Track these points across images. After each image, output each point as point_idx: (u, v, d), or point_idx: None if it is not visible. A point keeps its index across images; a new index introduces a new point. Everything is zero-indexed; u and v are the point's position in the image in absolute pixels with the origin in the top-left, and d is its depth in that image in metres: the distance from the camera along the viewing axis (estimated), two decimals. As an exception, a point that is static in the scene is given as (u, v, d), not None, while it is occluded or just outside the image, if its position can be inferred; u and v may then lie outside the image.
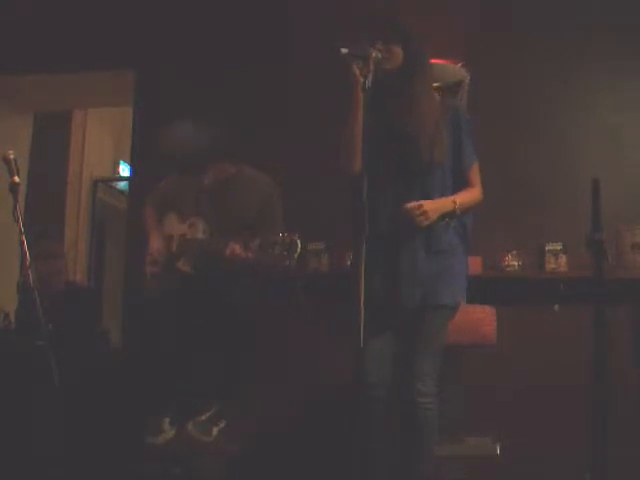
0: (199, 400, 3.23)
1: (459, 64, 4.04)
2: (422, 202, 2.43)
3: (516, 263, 3.81)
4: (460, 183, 2.58)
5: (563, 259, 3.77)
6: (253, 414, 3.27)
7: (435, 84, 4.05)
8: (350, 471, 2.78)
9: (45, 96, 5.14)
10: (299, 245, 2.83)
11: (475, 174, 2.61)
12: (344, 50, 2.32)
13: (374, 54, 2.35)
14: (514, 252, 3.81)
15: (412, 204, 2.43)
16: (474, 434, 3.22)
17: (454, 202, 2.50)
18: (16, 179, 2.63)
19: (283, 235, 2.87)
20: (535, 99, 4.03)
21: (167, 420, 3.19)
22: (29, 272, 2.55)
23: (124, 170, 6.62)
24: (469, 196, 2.57)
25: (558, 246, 3.78)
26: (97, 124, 6.31)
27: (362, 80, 2.32)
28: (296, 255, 2.85)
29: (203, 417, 3.20)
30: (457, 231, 2.58)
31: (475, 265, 3.69)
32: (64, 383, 2.49)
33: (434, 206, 2.45)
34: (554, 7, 4.05)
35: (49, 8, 4.65)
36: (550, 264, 3.79)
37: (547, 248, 3.80)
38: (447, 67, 4.04)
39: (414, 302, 2.48)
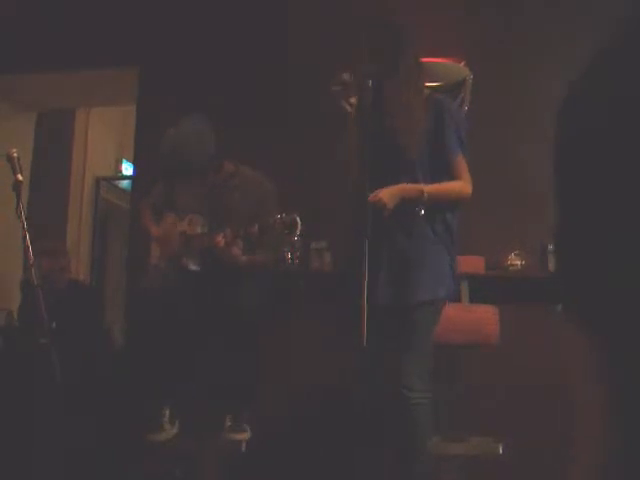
0: (211, 404, 3.23)
1: (461, 63, 4.04)
2: (380, 189, 2.45)
3: (519, 263, 3.81)
4: (445, 177, 2.55)
5: (565, 259, 3.77)
6: (254, 414, 3.27)
7: (437, 83, 4.09)
8: (350, 471, 2.79)
9: (48, 95, 5.15)
10: (299, 223, 2.78)
11: (459, 166, 2.55)
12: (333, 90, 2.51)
13: (345, 77, 2.47)
14: (517, 252, 3.81)
15: (371, 196, 2.44)
16: (476, 433, 3.22)
17: (421, 190, 2.47)
18: (19, 177, 2.63)
19: (282, 215, 2.83)
20: (535, 99, 4.02)
21: (166, 418, 3.20)
22: (32, 270, 2.55)
23: (127, 169, 6.63)
24: (448, 187, 2.54)
25: (561, 246, 3.77)
26: (100, 123, 6.32)
27: (350, 109, 2.49)
28: (297, 233, 2.82)
29: (228, 421, 3.20)
30: (435, 229, 2.56)
31: (477, 265, 3.70)
32: (66, 381, 2.50)
33: (388, 192, 2.45)
34: (554, 7, 4.05)
35: (53, 6, 4.66)
36: (553, 264, 3.79)
37: (550, 248, 3.80)
38: (449, 66, 4.05)
39: (389, 300, 2.49)
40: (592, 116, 0.63)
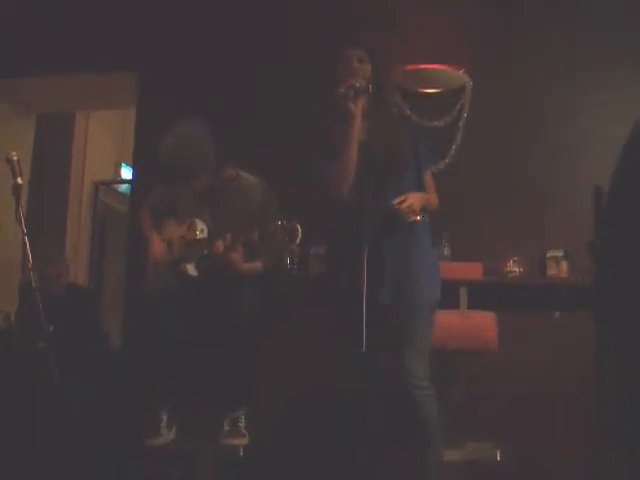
0: (209, 408, 3.22)
1: (461, 70, 4.05)
2: (407, 195, 2.53)
3: (517, 269, 3.81)
4: (419, 189, 2.69)
5: (564, 265, 3.77)
6: (252, 419, 3.27)
7: (437, 90, 4.11)
8: (349, 476, 2.78)
9: (48, 98, 5.15)
10: (300, 230, 2.80)
11: (430, 181, 2.76)
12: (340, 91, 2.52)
13: (353, 82, 2.52)
14: (515, 258, 3.81)
15: (398, 199, 2.52)
16: (474, 439, 3.22)
17: (430, 198, 2.68)
18: (19, 181, 2.63)
19: (282, 222, 2.84)
20: (535, 99, 4.03)
21: (164, 422, 3.19)
22: (31, 273, 2.55)
23: (126, 173, 6.63)
24: (435, 198, 2.74)
25: (559, 252, 3.78)
26: (99, 126, 6.31)
27: (354, 110, 2.51)
28: (298, 241, 2.83)
29: (227, 426, 3.18)
30: (427, 234, 2.69)
31: (475, 271, 3.70)
32: (64, 384, 2.49)
33: (416, 198, 2.56)
34: (554, 7, 4.06)
35: (53, 10, 4.66)
36: (551, 270, 3.79)
37: (548, 255, 3.80)
38: (449, 73, 4.06)
39: (391, 300, 2.55)
40: None
